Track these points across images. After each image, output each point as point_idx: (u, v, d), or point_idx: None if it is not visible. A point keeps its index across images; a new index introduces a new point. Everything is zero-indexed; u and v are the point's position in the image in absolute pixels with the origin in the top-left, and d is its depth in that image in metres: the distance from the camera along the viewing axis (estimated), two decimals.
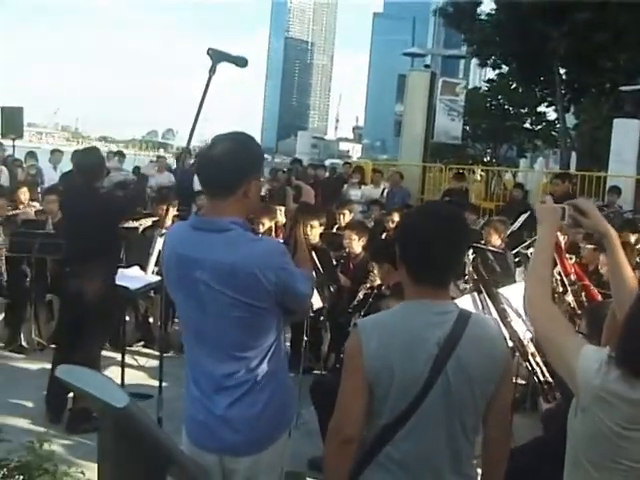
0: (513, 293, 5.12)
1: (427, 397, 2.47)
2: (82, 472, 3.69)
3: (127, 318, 8.19)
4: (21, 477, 3.32)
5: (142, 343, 8.57)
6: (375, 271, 6.79)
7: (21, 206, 9.76)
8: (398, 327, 2.55)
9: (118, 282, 6.35)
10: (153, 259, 4.72)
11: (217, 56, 3.90)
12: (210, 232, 2.87)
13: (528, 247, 7.35)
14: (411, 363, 2.47)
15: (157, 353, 7.88)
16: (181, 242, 2.97)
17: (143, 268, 7.41)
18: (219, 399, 2.90)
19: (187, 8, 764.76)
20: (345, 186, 14.62)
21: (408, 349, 2.49)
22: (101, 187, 6.83)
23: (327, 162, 34.53)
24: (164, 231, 6.21)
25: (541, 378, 4.57)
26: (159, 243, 4.71)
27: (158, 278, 7.68)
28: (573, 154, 27.73)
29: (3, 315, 8.42)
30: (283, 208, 8.03)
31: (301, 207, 3.40)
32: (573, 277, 6.12)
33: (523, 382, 6.11)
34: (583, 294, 6.03)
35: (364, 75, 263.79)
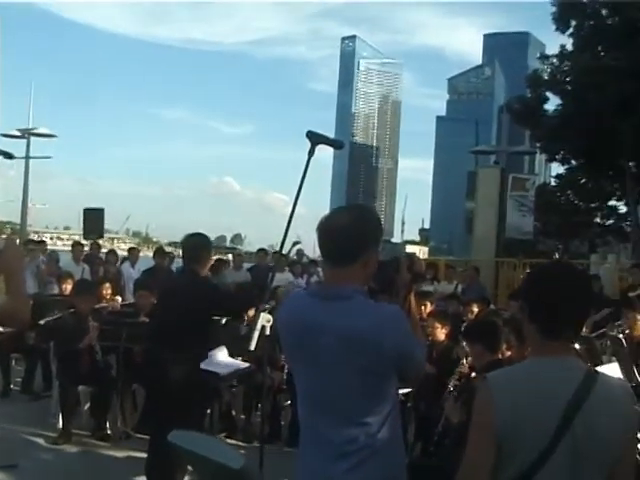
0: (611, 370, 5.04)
1: (553, 454, 2.44)
2: None
3: (209, 411, 8.27)
4: None
5: (225, 434, 8.56)
6: (464, 361, 6.78)
7: (104, 301, 9.99)
8: (528, 381, 2.54)
9: (206, 367, 6.37)
10: (256, 335, 4.77)
11: (315, 138, 4.05)
12: (333, 300, 2.92)
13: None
14: (540, 418, 2.46)
15: (241, 443, 7.92)
16: (302, 310, 3.02)
17: (232, 356, 7.52)
18: (339, 465, 2.88)
19: (264, 118, 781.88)
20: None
21: (537, 404, 2.47)
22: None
23: None
24: (267, 306, 6.24)
25: None
26: (262, 319, 4.76)
27: (246, 364, 7.76)
28: None
29: (89, 404, 8.50)
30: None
31: (414, 276, 3.42)
32: None
33: None
34: None
35: (429, 177, 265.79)
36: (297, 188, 4.27)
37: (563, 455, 2.44)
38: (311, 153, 4.06)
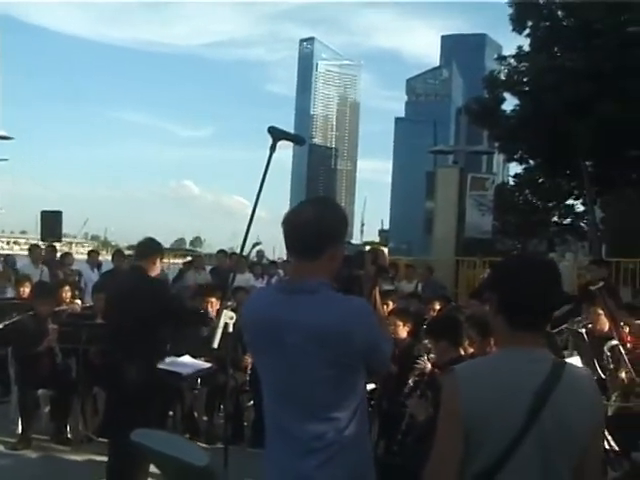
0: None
1: (522, 445, 2.45)
2: None
3: (171, 413, 8.23)
4: None
5: (187, 435, 8.50)
6: (424, 358, 6.80)
7: (64, 304, 9.88)
8: (495, 374, 2.55)
9: (169, 368, 6.36)
10: (219, 333, 4.76)
11: (277, 133, 4.03)
12: (299, 294, 2.91)
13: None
14: (507, 410, 2.47)
15: (204, 445, 7.87)
16: (268, 305, 3.00)
17: (194, 357, 7.47)
18: (308, 461, 2.86)
19: (223, 120, 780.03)
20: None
21: (504, 395, 2.48)
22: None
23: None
24: (229, 303, 6.24)
25: (607, 448, 4.50)
26: (224, 316, 4.75)
27: (209, 365, 7.74)
28: (603, 246, 27.66)
29: (49, 408, 8.39)
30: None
31: (378, 270, 3.42)
32: (629, 345, 6.12)
33: None
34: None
35: (388, 178, 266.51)
36: (258, 186, 4.25)
37: (531, 446, 2.45)
38: (273, 149, 4.05)
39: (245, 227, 4.41)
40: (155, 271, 6.51)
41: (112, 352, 6.37)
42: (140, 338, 5.99)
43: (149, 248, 6.54)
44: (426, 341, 7.03)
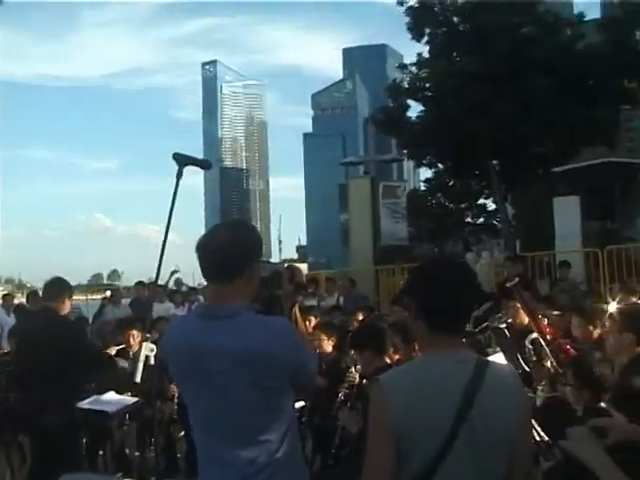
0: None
1: (453, 447, 2.46)
2: None
3: (101, 452, 8.04)
4: None
5: (120, 473, 8.32)
6: (352, 370, 6.78)
7: None
8: (420, 378, 2.55)
9: (94, 408, 6.21)
10: (140, 366, 4.68)
11: (182, 159, 3.97)
12: (221, 319, 2.88)
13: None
14: (435, 413, 2.47)
15: None
16: (191, 332, 2.96)
17: (119, 393, 7.32)
18: None
19: (130, 150, 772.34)
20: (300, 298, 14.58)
21: (431, 400, 2.48)
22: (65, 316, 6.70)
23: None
24: (148, 335, 6.15)
25: (538, 438, 4.56)
26: (145, 349, 4.67)
27: (135, 399, 7.59)
28: (517, 241, 28.20)
29: None
30: None
31: (296, 288, 3.41)
32: (549, 337, 6.22)
33: None
34: (561, 353, 6.12)
35: (302, 195, 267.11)
36: (168, 213, 4.19)
37: (462, 447, 2.46)
38: (179, 175, 3.99)
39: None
40: (65, 310, 6.38)
41: (28, 397, 6.20)
42: (54, 380, 5.85)
43: (57, 287, 6.40)
44: (352, 352, 7.02)
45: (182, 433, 8.39)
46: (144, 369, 4.88)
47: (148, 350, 4.79)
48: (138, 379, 4.85)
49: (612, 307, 6.05)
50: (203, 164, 4.21)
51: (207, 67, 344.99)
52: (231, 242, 2.91)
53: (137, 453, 8.46)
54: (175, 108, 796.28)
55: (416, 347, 5.44)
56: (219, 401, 2.85)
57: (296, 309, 3.33)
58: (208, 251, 2.95)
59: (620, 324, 4.98)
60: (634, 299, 8.34)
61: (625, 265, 14.91)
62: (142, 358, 4.78)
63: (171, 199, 4.07)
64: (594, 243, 17.24)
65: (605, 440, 2.34)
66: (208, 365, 2.84)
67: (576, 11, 27.34)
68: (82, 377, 6.76)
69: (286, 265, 3.67)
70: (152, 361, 4.86)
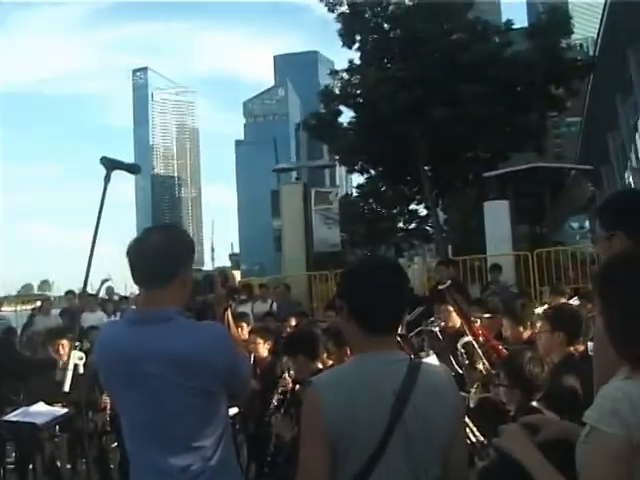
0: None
1: (388, 448, 2.44)
2: None
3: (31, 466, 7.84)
4: None
5: None
6: (286, 375, 6.73)
7: None
8: (353, 379, 2.52)
9: (21, 419, 6.05)
10: (69, 375, 4.57)
11: (110, 164, 3.88)
12: (153, 324, 2.82)
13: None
14: (370, 414, 2.45)
15: None
16: (122, 339, 2.90)
17: (49, 404, 7.15)
18: None
19: (67, 156, 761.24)
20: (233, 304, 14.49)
21: (365, 400, 2.46)
22: None
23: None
24: (77, 344, 5.99)
25: (473, 439, 4.58)
26: (74, 357, 4.56)
27: (65, 410, 7.41)
28: (449, 246, 28.54)
29: None
30: None
31: (229, 292, 3.37)
32: (481, 339, 6.28)
33: None
34: (493, 355, 6.18)
35: (234, 202, 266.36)
36: (96, 219, 4.09)
37: (397, 448, 2.44)
38: (107, 179, 3.89)
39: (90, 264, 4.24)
40: None
41: None
42: None
43: None
44: (285, 358, 6.97)
45: (115, 444, 8.24)
46: (73, 378, 4.75)
47: (77, 358, 4.66)
48: (67, 388, 4.72)
49: (542, 309, 6.12)
50: (131, 168, 4.12)
51: (138, 74, 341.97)
52: (163, 245, 2.87)
53: (69, 466, 8.29)
54: (107, 115, 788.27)
55: (348, 351, 5.44)
56: (153, 407, 2.80)
57: (229, 313, 3.29)
58: (139, 254, 2.89)
59: (552, 323, 5.04)
60: (563, 300, 8.48)
61: (554, 268, 15.23)
62: (71, 367, 4.66)
63: (100, 203, 3.97)
64: (524, 247, 17.57)
65: (536, 437, 2.36)
66: (142, 371, 2.78)
67: (504, 19, 27.86)
68: (7, 389, 6.60)
69: (220, 270, 3.62)
70: (81, 370, 4.73)
